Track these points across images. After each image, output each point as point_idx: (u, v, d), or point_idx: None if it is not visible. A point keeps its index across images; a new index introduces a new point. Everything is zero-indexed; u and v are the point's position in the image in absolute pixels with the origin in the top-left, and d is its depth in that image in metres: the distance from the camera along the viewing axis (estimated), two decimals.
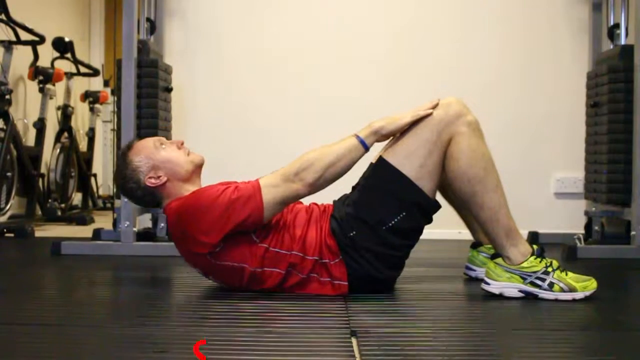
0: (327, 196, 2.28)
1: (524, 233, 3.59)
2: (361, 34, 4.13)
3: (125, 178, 2.24)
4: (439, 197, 2.28)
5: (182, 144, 2.27)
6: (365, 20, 4.14)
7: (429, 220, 2.21)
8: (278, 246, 2.15)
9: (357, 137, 2.13)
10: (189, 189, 2.21)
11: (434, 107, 2.15)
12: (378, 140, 2.17)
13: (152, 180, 2.21)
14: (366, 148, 2.14)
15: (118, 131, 3.36)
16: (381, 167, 2.17)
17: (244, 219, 2.09)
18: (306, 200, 2.26)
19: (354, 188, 2.28)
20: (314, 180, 2.10)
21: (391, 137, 2.19)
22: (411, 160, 2.13)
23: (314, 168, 2.09)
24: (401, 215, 2.14)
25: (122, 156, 2.27)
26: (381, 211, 2.15)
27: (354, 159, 2.13)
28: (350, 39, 4.13)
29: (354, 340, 1.66)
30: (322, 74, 4.12)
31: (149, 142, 2.25)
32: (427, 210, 2.17)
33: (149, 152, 2.22)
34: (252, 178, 2.19)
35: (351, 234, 2.15)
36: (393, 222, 2.14)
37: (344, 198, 2.28)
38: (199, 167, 2.27)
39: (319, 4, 4.16)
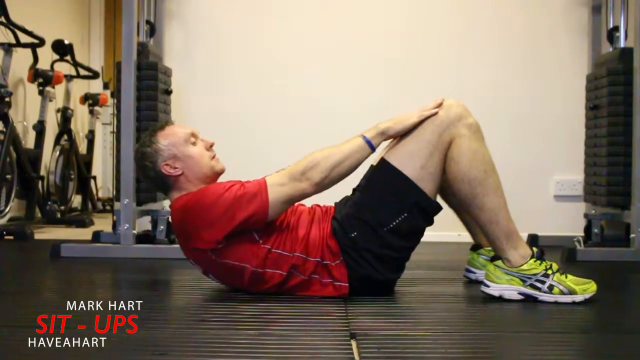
0: (329, 198, 2.28)
1: (524, 235, 3.58)
2: (361, 38, 4.13)
3: (145, 155, 2.24)
4: (439, 200, 2.29)
5: (212, 146, 2.28)
6: (366, 24, 4.14)
7: (430, 222, 2.21)
8: (281, 247, 2.15)
9: (364, 137, 2.15)
10: (198, 186, 2.21)
11: (439, 106, 2.16)
12: (385, 140, 2.18)
13: (167, 168, 2.22)
14: (372, 148, 2.15)
15: (118, 134, 3.35)
16: (382, 168, 2.18)
17: (249, 216, 2.09)
18: (308, 202, 2.26)
19: (354, 190, 2.28)
20: (321, 180, 2.10)
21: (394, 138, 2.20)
22: (412, 161, 2.14)
23: (320, 167, 2.10)
24: (402, 217, 2.14)
25: (151, 132, 2.26)
26: (382, 212, 2.15)
27: (360, 159, 2.14)
28: (351, 42, 4.13)
29: (353, 343, 1.66)
30: (322, 78, 4.12)
31: (180, 132, 2.24)
32: (428, 212, 2.18)
33: (176, 142, 2.22)
34: (251, 180, 2.19)
35: (352, 235, 2.15)
36: (394, 224, 2.14)
37: (345, 199, 2.28)
38: (217, 174, 2.26)
39: (318, 9, 4.16)
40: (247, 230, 2.13)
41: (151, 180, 2.27)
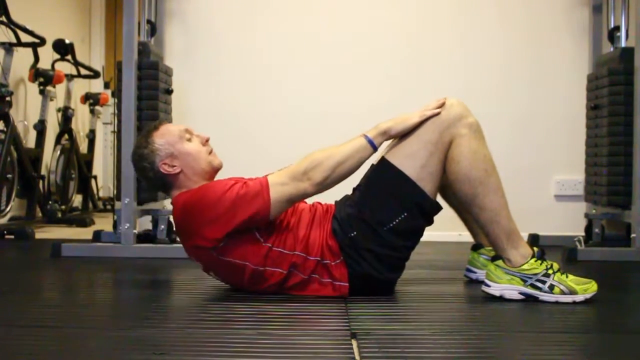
0: (329, 195, 2.28)
1: (525, 235, 3.57)
2: (363, 38, 4.13)
3: (142, 156, 2.23)
4: (439, 199, 2.28)
5: (207, 140, 2.26)
6: (368, 25, 4.14)
7: (430, 222, 2.21)
8: (281, 246, 2.15)
9: (366, 137, 2.14)
10: (199, 183, 2.21)
11: (441, 106, 2.15)
12: (386, 140, 2.17)
13: (166, 167, 2.20)
14: (374, 148, 2.14)
15: (118, 133, 3.36)
16: (383, 167, 2.18)
17: (251, 215, 2.09)
18: (309, 200, 2.26)
19: (355, 189, 2.28)
20: (322, 180, 2.10)
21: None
22: (413, 160, 2.14)
23: (322, 167, 2.09)
24: (402, 216, 2.14)
25: (146, 134, 2.25)
26: (382, 212, 2.15)
27: (362, 158, 2.13)
28: (352, 42, 4.13)
29: (354, 342, 1.66)
30: (323, 78, 4.12)
31: (174, 130, 2.24)
32: (428, 211, 2.17)
33: (172, 140, 2.21)
34: (252, 178, 2.19)
35: (352, 235, 2.15)
36: (394, 223, 2.14)
37: (345, 199, 2.28)
38: (215, 169, 2.26)
39: (320, 8, 4.15)
40: (248, 229, 2.13)
41: (151, 180, 2.26)
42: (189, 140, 2.23)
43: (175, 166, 2.20)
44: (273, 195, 2.09)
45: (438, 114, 2.14)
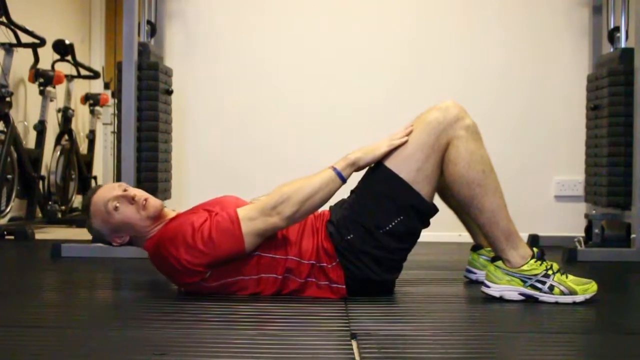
0: None
1: (524, 236, 3.59)
2: (363, 38, 4.13)
3: (98, 236, 2.30)
4: (438, 201, 2.28)
5: (133, 198, 2.22)
6: (368, 26, 4.14)
7: (427, 224, 2.21)
8: (272, 252, 2.16)
9: (334, 169, 2.14)
10: (156, 227, 2.23)
11: (408, 134, 2.15)
12: (355, 171, 2.18)
13: (118, 240, 2.27)
14: (343, 180, 2.14)
15: (118, 133, 3.36)
16: (379, 170, 2.17)
17: (226, 254, 2.11)
18: None
19: (351, 192, 2.28)
20: (291, 214, 2.10)
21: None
22: (409, 164, 2.13)
23: (291, 201, 2.10)
24: (398, 219, 2.14)
25: (86, 209, 2.28)
26: (378, 215, 2.15)
27: (331, 191, 2.13)
28: (352, 43, 4.13)
29: (354, 343, 1.66)
30: (322, 78, 4.13)
31: (101, 206, 2.22)
32: (424, 214, 2.17)
33: (104, 217, 2.23)
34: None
35: (348, 237, 2.15)
36: (390, 226, 2.14)
37: (342, 202, 2.28)
38: (156, 215, 2.24)
39: (320, 9, 4.16)
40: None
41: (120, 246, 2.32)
42: (117, 208, 2.21)
43: (122, 236, 2.26)
44: (244, 230, 2.10)
45: (406, 142, 2.14)
